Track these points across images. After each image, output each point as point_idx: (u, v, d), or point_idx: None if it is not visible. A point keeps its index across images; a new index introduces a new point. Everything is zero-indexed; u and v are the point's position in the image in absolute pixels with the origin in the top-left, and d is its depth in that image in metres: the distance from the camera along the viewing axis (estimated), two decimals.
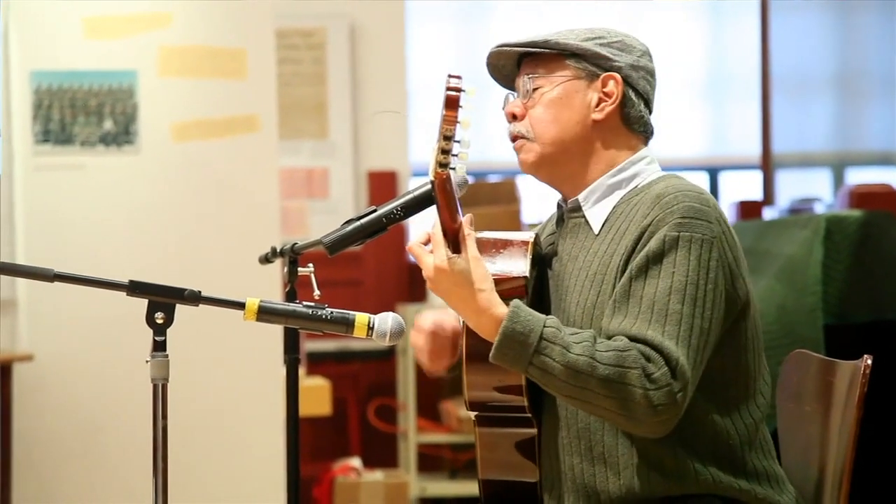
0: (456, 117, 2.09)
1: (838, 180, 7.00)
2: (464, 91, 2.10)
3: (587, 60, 2.39)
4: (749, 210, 5.81)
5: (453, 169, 2.13)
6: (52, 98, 4.63)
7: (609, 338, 2.22)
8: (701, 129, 7.36)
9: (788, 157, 6.91)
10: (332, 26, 6.83)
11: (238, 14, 4.74)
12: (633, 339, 2.20)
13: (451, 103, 2.09)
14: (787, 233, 4.24)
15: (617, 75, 2.39)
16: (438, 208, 2.20)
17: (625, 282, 2.25)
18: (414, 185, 2.52)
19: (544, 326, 2.19)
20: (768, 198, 6.85)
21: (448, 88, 2.09)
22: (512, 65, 2.47)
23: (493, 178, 6.69)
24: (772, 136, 6.84)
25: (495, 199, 6.02)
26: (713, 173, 7.40)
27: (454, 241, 2.22)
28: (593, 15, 7.07)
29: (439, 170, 2.12)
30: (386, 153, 6.83)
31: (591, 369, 2.16)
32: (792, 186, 6.87)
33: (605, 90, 2.40)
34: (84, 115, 4.64)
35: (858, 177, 7.09)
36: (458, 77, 2.10)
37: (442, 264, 2.22)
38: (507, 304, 2.23)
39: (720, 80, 7.33)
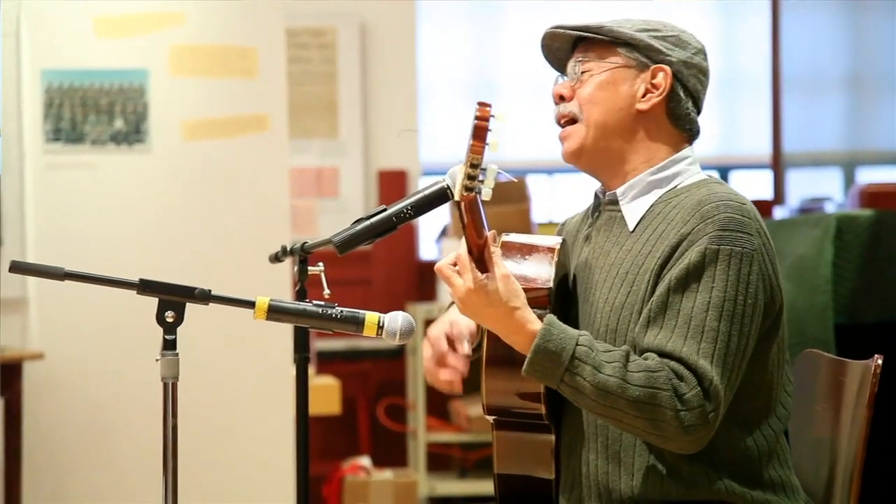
0: (483, 147, 2.07)
1: (849, 179, 6.98)
2: (493, 117, 2.08)
3: (639, 51, 2.39)
4: (760, 209, 5.80)
5: (479, 193, 2.13)
6: (62, 97, 4.63)
7: (642, 352, 2.21)
8: (712, 129, 7.35)
9: (799, 157, 6.90)
10: (343, 25, 6.83)
11: (249, 13, 4.74)
12: (667, 355, 2.18)
13: (479, 134, 2.07)
14: (798, 232, 4.24)
15: (667, 68, 2.38)
16: (465, 227, 2.19)
17: (662, 293, 2.23)
18: (424, 184, 2.52)
19: (577, 345, 2.18)
20: (779, 197, 6.84)
21: (477, 118, 2.07)
22: (567, 48, 2.46)
23: (503, 177, 6.68)
24: (782, 136, 6.83)
25: (506, 198, 6.02)
26: (724, 172, 7.39)
27: (480, 258, 2.21)
28: (606, 14, 7.05)
29: (465, 193, 2.12)
30: (396, 152, 6.83)
31: (621, 390, 2.15)
32: (802, 186, 6.86)
33: (653, 81, 2.38)
34: (95, 113, 4.65)
35: (869, 176, 7.08)
36: (488, 105, 2.08)
37: (473, 286, 2.20)
38: (538, 316, 2.22)
39: (731, 79, 7.31)
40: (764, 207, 5.93)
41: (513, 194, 6.16)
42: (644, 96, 2.38)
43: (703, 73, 2.43)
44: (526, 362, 2.20)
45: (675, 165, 2.39)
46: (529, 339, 2.20)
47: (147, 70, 4.66)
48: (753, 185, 7.38)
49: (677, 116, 2.40)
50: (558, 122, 2.45)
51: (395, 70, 6.89)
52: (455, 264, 2.25)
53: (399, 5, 6.91)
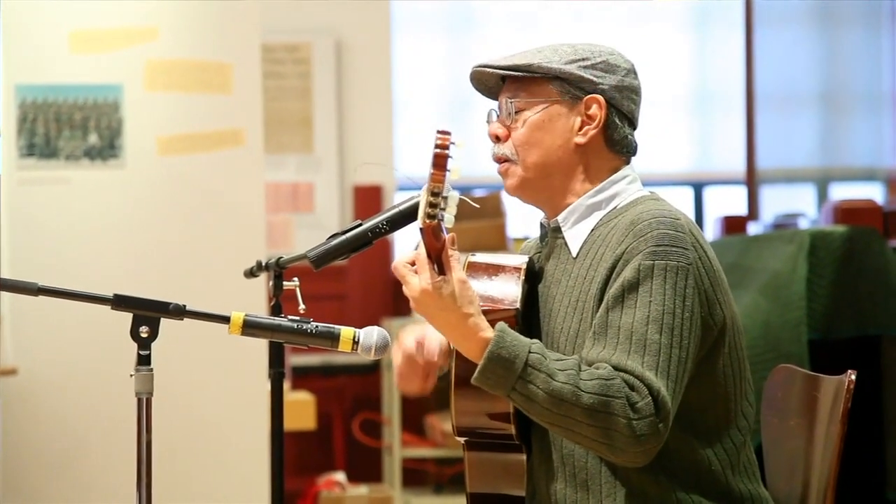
0: (444, 175, 2.07)
1: (822, 196, 7.01)
2: (453, 144, 2.08)
3: (570, 84, 2.37)
4: (733, 225, 5.82)
5: (441, 220, 2.13)
6: (37, 112, 4.62)
7: (591, 365, 2.20)
8: (686, 145, 7.38)
9: (773, 173, 6.92)
10: (318, 41, 6.83)
11: (224, 28, 4.74)
12: (614, 368, 2.18)
13: (440, 162, 2.07)
14: (772, 248, 4.25)
15: (600, 98, 2.36)
16: (424, 238, 2.18)
17: (602, 312, 2.24)
18: (399, 200, 2.52)
19: (529, 352, 2.17)
20: (753, 213, 6.86)
21: (436, 146, 2.07)
22: (496, 79, 2.45)
23: (478, 193, 6.70)
24: (756, 152, 6.85)
25: (481, 213, 6.03)
26: (698, 188, 7.42)
27: (438, 261, 2.19)
28: (579, 30, 7.09)
29: (428, 220, 2.11)
30: (371, 167, 6.83)
31: (575, 398, 2.14)
32: (776, 202, 6.88)
33: (588, 113, 2.37)
34: (69, 128, 4.64)
35: (842, 192, 7.10)
36: (447, 133, 2.07)
37: (428, 287, 2.18)
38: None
39: (705, 95, 7.35)
40: (738, 223, 5.94)
41: (488, 209, 6.17)
42: (580, 129, 2.37)
43: (636, 92, 2.42)
44: (478, 369, 2.18)
45: (614, 186, 2.39)
46: (481, 345, 2.18)
47: (121, 85, 4.65)
48: (727, 201, 7.40)
49: (614, 142, 2.40)
50: (497, 162, 2.44)
51: (370, 86, 6.90)
52: (413, 263, 2.23)
53: (374, 21, 6.92)
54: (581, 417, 2.15)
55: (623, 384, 2.15)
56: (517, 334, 2.20)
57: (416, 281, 2.20)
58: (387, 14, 6.97)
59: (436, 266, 2.20)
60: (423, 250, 2.20)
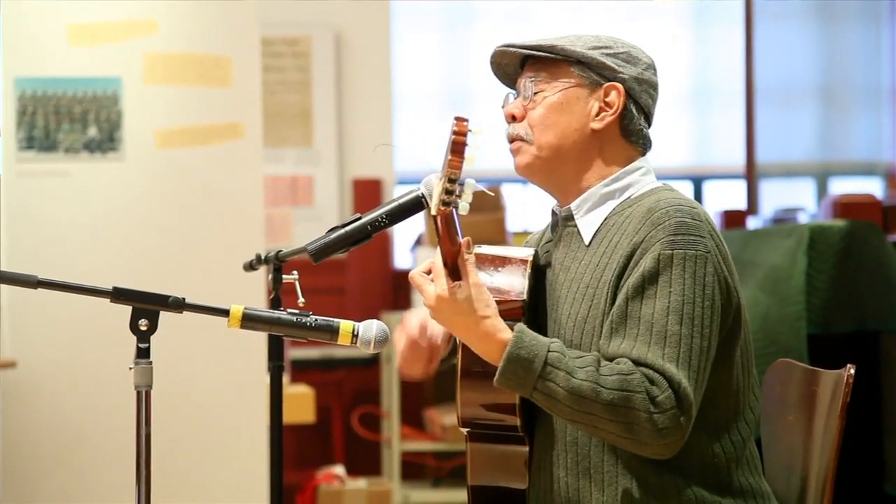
0: (461, 162, 2.07)
1: (822, 190, 7.01)
2: (470, 131, 2.08)
3: (591, 69, 2.38)
4: (733, 219, 5.82)
5: (455, 207, 2.13)
6: (36, 105, 4.62)
7: (611, 359, 2.21)
8: (685, 139, 7.38)
9: (772, 167, 6.92)
10: (317, 34, 6.83)
11: (223, 22, 4.74)
12: (634, 362, 2.18)
13: (457, 149, 2.07)
14: (771, 242, 4.25)
15: (620, 86, 2.38)
16: (440, 238, 2.19)
17: (621, 303, 2.24)
18: (399, 193, 2.52)
19: (549, 351, 2.18)
20: (752, 207, 6.86)
21: (454, 132, 2.07)
22: (515, 64, 2.47)
23: (478, 186, 6.68)
24: (756, 146, 6.85)
25: (480, 207, 6.02)
26: (697, 183, 7.42)
27: (453, 267, 2.21)
28: (579, 24, 7.08)
29: (442, 207, 2.12)
30: (370, 161, 6.83)
31: (595, 395, 2.15)
32: (776, 196, 6.88)
33: (606, 100, 2.38)
34: (68, 121, 4.64)
35: (842, 187, 7.11)
36: (465, 120, 2.07)
37: (444, 293, 2.20)
38: (508, 326, 2.22)
39: (705, 90, 7.34)
40: (737, 218, 5.94)
41: (488, 204, 6.17)
42: (598, 115, 2.39)
43: (654, 87, 2.44)
44: (498, 371, 2.19)
45: (628, 176, 2.40)
46: (500, 347, 2.20)
47: (120, 78, 4.65)
48: (727, 196, 7.41)
49: (630, 132, 2.41)
50: (510, 142, 2.45)
51: (369, 79, 6.89)
52: (429, 272, 2.26)
53: (374, 14, 6.92)
54: (602, 413, 2.16)
55: (643, 378, 2.16)
56: (536, 334, 2.21)
57: (432, 289, 2.23)
58: (386, 7, 6.96)
59: (450, 271, 2.21)
60: (439, 258, 2.22)
